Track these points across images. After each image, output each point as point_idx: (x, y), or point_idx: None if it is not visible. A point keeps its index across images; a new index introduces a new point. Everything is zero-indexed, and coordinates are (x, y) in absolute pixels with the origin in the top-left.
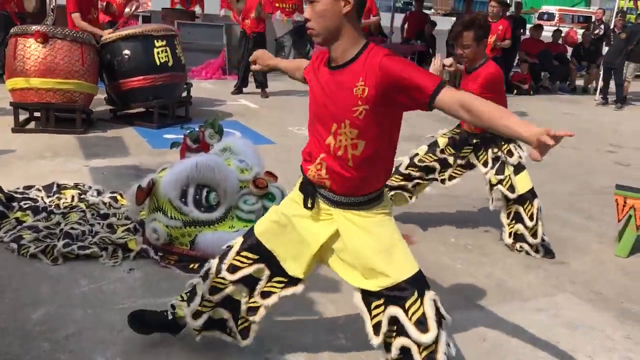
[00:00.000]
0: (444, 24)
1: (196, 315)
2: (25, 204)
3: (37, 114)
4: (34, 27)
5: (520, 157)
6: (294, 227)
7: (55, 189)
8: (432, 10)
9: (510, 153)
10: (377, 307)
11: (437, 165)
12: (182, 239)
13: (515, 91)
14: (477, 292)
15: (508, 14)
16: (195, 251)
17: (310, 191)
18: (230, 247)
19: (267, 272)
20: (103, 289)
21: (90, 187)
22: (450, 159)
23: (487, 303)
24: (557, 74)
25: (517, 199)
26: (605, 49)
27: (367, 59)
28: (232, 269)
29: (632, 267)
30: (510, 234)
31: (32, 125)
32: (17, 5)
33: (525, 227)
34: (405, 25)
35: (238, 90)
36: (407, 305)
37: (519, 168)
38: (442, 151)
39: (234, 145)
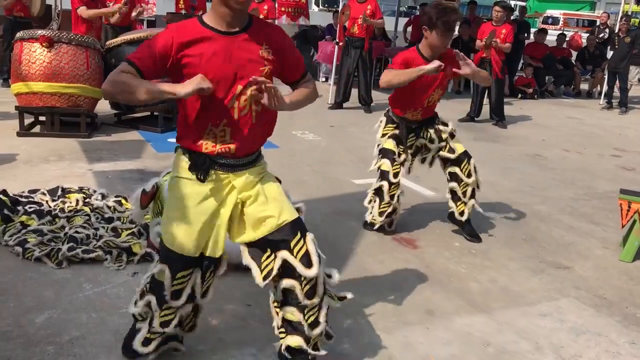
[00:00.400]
0: None
1: (145, 342)
2: (30, 207)
3: (42, 118)
4: (40, 32)
5: (452, 127)
6: (201, 214)
7: (59, 192)
8: None
9: (444, 124)
10: (267, 258)
11: (403, 169)
12: None
13: (519, 95)
14: (481, 297)
15: (512, 18)
16: None
17: (206, 166)
18: (157, 281)
19: (199, 274)
20: (107, 292)
21: (94, 191)
22: (406, 156)
23: (491, 308)
24: (562, 78)
25: (455, 159)
26: (609, 53)
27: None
28: (176, 294)
29: (636, 272)
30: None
31: (37, 129)
32: (22, 10)
33: (464, 184)
34: (409, 29)
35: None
36: (292, 245)
37: (452, 136)
38: (399, 154)
39: None
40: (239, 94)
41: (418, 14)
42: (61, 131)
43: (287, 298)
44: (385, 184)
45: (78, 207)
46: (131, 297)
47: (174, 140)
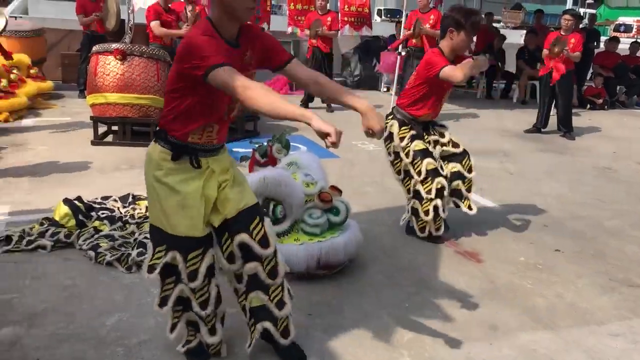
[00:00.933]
0: (514, 38)
1: (212, 331)
2: (102, 213)
3: (114, 128)
4: (114, 45)
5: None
6: (196, 196)
7: (130, 199)
8: (501, 24)
9: (443, 127)
10: (225, 240)
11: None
12: None
13: (588, 106)
14: (547, 313)
15: (581, 26)
16: None
17: (191, 153)
18: (172, 265)
19: (211, 251)
20: None
21: None
22: (435, 151)
23: (558, 325)
24: (635, 87)
25: (459, 154)
26: None
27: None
28: (192, 275)
29: None
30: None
31: (109, 138)
32: (98, 26)
33: (468, 180)
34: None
35: (304, 104)
36: (251, 228)
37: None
38: (431, 152)
39: (300, 160)
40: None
41: (481, 23)
42: (132, 140)
43: (250, 285)
44: (441, 179)
45: (147, 214)
46: None
47: (238, 150)
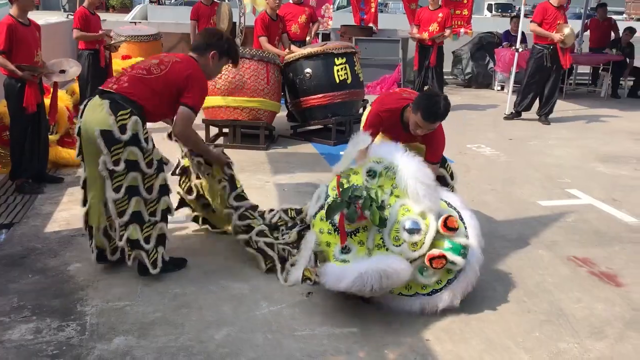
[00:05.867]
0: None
1: None
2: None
3: (225, 130)
4: None
5: None
6: None
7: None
8: (625, 16)
9: None
10: None
11: None
12: None
13: None
14: None
15: None
16: None
17: None
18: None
19: None
20: (282, 312)
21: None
22: None
23: None
24: None
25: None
26: None
27: None
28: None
29: None
30: None
31: (220, 140)
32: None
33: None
34: (586, 33)
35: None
36: None
37: None
38: None
39: (402, 178)
40: None
41: (596, 16)
42: (242, 143)
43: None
44: None
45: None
46: (305, 319)
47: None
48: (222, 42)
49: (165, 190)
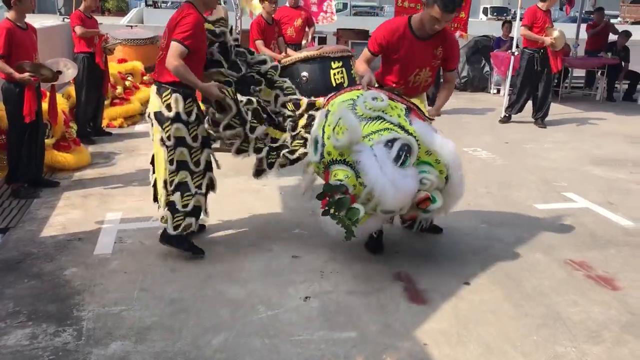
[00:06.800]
0: (635, 34)
1: None
2: None
3: None
4: None
5: None
6: None
7: None
8: (619, 19)
9: None
10: None
11: None
12: None
13: None
14: None
15: None
16: None
17: None
18: None
19: None
20: (280, 317)
21: None
22: None
23: None
24: None
25: None
26: None
27: None
28: None
29: None
30: None
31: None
32: None
33: None
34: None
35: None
36: None
37: None
38: None
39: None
40: None
41: (594, 19)
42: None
43: None
44: None
45: None
46: (303, 324)
47: None
48: None
49: (209, 166)
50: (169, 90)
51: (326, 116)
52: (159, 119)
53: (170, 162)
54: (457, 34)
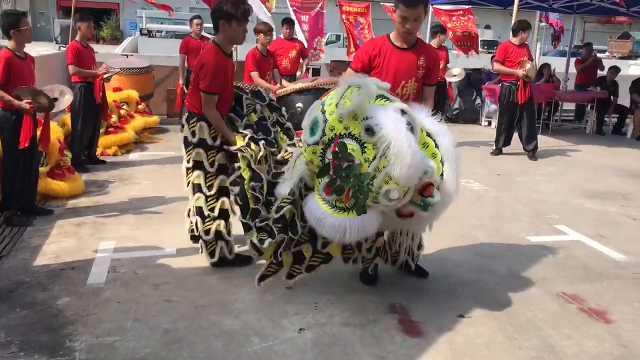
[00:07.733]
0: (622, 69)
1: None
2: None
3: None
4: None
5: None
6: None
7: None
8: (607, 54)
9: None
10: None
11: None
12: None
13: None
14: None
15: None
16: None
17: None
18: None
19: None
20: (274, 349)
21: None
22: None
23: None
24: None
25: None
26: None
27: None
28: None
29: None
30: None
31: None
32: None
33: None
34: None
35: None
36: None
37: None
38: None
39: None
40: None
41: (583, 54)
42: None
43: None
44: None
45: None
46: (297, 356)
47: None
48: (220, 10)
49: (225, 191)
50: (195, 119)
51: (322, 104)
52: (185, 144)
53: (188, 183)
54: (471, 53)
